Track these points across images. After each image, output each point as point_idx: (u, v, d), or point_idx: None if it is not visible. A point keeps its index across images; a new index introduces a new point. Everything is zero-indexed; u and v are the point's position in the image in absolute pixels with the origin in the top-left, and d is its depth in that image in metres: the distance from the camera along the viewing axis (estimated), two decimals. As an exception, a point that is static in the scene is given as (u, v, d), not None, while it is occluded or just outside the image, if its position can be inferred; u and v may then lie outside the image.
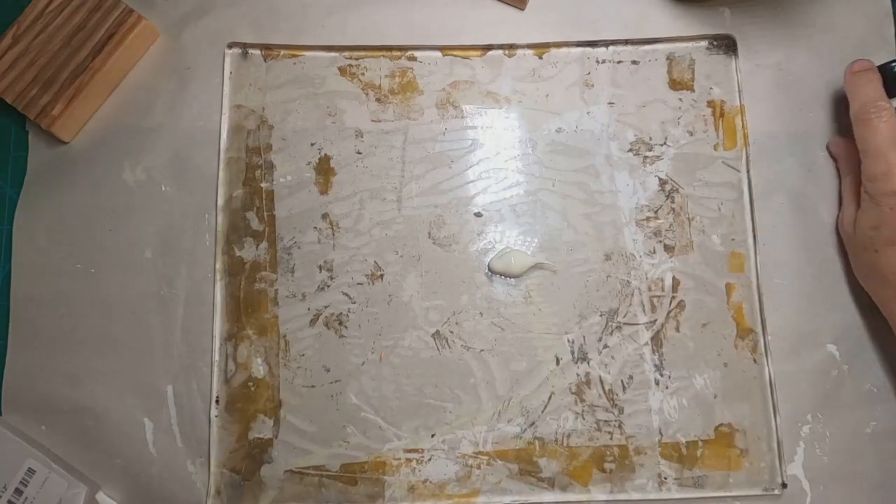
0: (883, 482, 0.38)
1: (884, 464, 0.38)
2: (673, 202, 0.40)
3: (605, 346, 0.39)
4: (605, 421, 0.38)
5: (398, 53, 0.42)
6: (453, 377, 0.39)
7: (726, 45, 0.41)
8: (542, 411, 0.38)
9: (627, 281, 0.39)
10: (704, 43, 0.42)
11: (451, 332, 0.39)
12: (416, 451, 0.38)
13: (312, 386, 0.38)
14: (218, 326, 0.39)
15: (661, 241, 0.40)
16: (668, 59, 0.42)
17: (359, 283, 0.39)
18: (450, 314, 0.39)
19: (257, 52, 0.42)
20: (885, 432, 0.38)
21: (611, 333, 0.39)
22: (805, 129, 0.41)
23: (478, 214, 0.39)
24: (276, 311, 0.39)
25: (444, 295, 0.39)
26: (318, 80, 0.41)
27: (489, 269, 0.39)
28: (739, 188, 0.40)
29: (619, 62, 0.41)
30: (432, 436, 0.38)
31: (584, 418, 0.38)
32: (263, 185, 0.40)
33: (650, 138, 0.41)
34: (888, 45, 0.42)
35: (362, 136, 0.41)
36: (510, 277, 0.39)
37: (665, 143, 0.41)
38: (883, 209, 0.34)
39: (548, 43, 0.42)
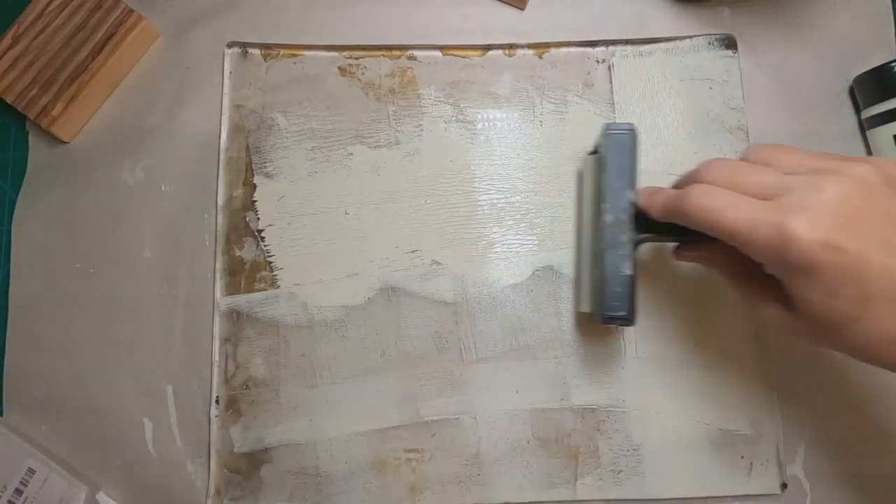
0: (883, 482, 0.38)
1: (884, 464, 0.38)
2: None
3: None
4: (605, 420, 0.38)
5: (398, 53, 0.42)
6: (454, 378, 0.39)
7: (726, 44, 0.41)
8: (543, 411, 0.38)
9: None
10: (704, 42, 0.41)
11: (451, 331, 0.39)
12: (416, 450, 0.38)
13: (313, 386, 0.38)
14: (218, 326, 0.39)
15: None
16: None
17: (359, 283, 0.39)
18: (452, 313, 0.39)
19: (257, 51, 0.42)
20: (885, 432, 0.38)
21: (611, 333, 0.39)
22: (805, 129, 0.41)
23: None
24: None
25: (447, 294, 0.39)
26: (318, 80, 0.41)
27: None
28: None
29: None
30: (432, 436, 0.38)
31: (583, 418, 0.38)
32: (263, 185, 0.40)
33: (650, 138, 0.41)
34: (888, 45, 0.42)
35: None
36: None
37: (665, 143, 0.41)
38: (824, 270, 0.25)
39: (548, 43, 0.42)
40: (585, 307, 0.36)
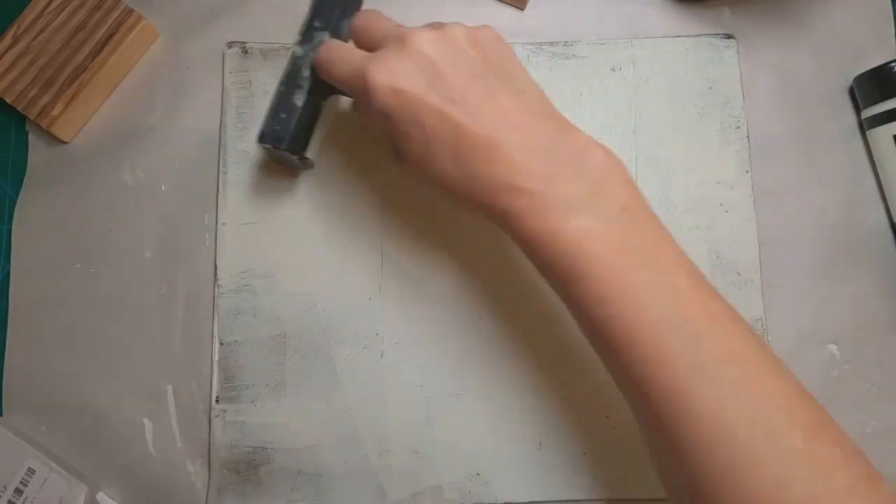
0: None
1: (884, 464, 0.38)
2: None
3: (605, 346, 0.39)
4: (605, 420, 0.38)
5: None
6: (455, 378, 0.39)
7: (726, 44, 0.41)
8: (544, 411, 0.38)
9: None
10: (704, 42, 0.41)
11: (454, 332, 0.39)
12: (416, 451, 0.38)
13: (313, 386, 0.38)
14: (218, 326, 0.39)
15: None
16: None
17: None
18: (455, 314, 0.39)
19: (257, 51, 0.41)
20: (884, 432, 0.38)
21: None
22: (805, 129, 0.41)
23: None
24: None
25: (449, 295, 0.39)
26: (318, 80, 0.41)
27: None
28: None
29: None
30: (433, 436, 0.38)
31: (584, 417, 0.38)
32: (263, 185, 0.40)
33: (650, 138, 0.41)
34: (888, 45, 0.42)
35: (362, 136, 0.41)
36: None
37: (665, 143, 0.41)
38: (393, 112, 0.28)
39: (552, 42, 0.41)
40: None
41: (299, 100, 0.34)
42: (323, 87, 0.34)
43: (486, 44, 0.30)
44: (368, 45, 0.32)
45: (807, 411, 0.24)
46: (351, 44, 0.32)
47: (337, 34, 0.34)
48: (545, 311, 0.39)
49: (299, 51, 0.34)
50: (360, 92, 0.29)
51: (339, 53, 0.31)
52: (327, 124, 0.37)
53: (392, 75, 0.28)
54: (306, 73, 0.34)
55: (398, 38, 0.29)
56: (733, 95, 0.41)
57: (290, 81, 0.34)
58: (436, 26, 0.30)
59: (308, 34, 0.34)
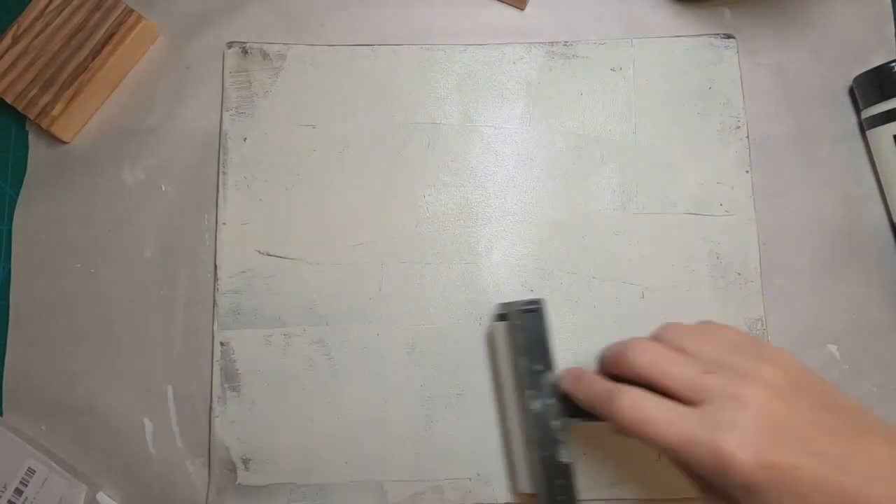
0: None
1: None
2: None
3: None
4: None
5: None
6: (455, 379, 0.38)
7: (726, 44, 0.41)
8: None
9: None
10: (704, 42, 0.41)
11: (454, 335, 0.39)
12: (417, 451, 0.38)
13: (314, 386, 0.38)
14: (218, 326, 0.39)
15: (661, 241, 0.40)
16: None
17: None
18: (454, 319, 0.39)
19: (257, 51, 0.42)
20: (885, 432, 0.38)
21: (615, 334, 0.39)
22: (805, 129, 0.41)
23: None
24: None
25: (445, 298, 0.39)
26: (317, 79, 0.41)
27: None
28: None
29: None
30: (433, 436, 0.38)
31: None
32: (263, 185, 0.40)
33: (650, 138, 0.41)
34: (888, 45, 0.42)
35: (362, 136, 0.41)
36: None
37: (665, 143, 0.41)
38: (763, 488, 0.25)
39: (552, 42, 0.41)
40: (525, 488, 0.34)
41: (565, 455, 0.31)
42: (574, 423, 0.31)
43: (805, 383, 0.27)
44: (634, 380, 0.28)
45: None
46: (666, 401, 0.27)
47: (552, 367, 0.32)
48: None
49: (536, 405, 0.31)
50: (701, 463, 0.25)
51: (657, 414, 0.26)
52: None
53: (754, 447, 0.24)
54: (555, 423, 0.31)
55: (726, 395, 0.25)
56: (733, 95, 0.41)
57: (545, 442, 0.31)
58: (747, 372, 0.26)
59: (533, 382, 0.32)
